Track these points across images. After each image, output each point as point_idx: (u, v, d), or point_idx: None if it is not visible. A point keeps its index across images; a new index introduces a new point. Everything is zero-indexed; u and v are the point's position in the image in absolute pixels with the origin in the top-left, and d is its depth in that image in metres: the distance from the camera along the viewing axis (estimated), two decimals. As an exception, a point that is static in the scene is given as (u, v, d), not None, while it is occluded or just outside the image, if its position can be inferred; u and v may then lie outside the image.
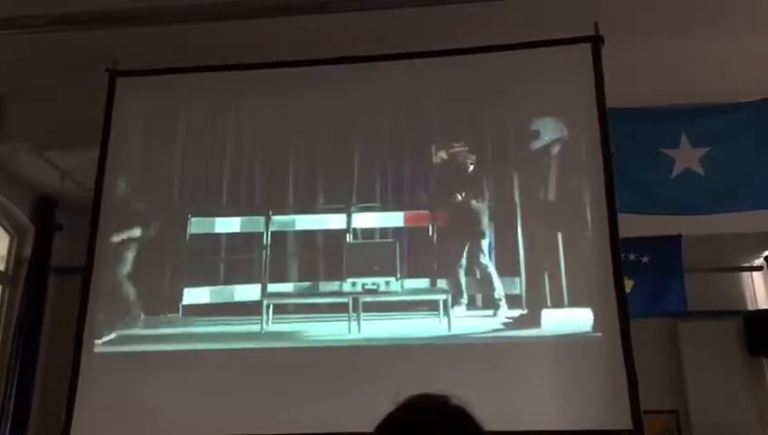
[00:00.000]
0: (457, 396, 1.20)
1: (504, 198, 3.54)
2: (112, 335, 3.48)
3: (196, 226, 3.66)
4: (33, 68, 4.05)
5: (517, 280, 3.37)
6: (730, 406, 5.64)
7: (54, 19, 3.66)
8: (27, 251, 5.47)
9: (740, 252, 6.01)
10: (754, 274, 6.15)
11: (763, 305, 6.05)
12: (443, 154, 3.61)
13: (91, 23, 3.69)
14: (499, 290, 3.37)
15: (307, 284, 3.57)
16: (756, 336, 5.79)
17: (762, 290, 6.12)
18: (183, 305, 3.52)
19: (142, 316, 3.53)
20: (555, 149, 3.53)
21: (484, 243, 3.48)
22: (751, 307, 6.07)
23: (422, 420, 1.17)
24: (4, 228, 5.47)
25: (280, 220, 3.66)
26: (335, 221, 3.64)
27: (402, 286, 3.47)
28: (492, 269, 3.42)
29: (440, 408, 1.18)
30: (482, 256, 3.46)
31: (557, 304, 3.30)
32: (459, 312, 3.36)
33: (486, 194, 3.55)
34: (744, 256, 6.10)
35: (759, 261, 6.07)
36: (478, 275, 3.44)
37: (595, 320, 3.21)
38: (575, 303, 3.28)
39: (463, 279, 3.42)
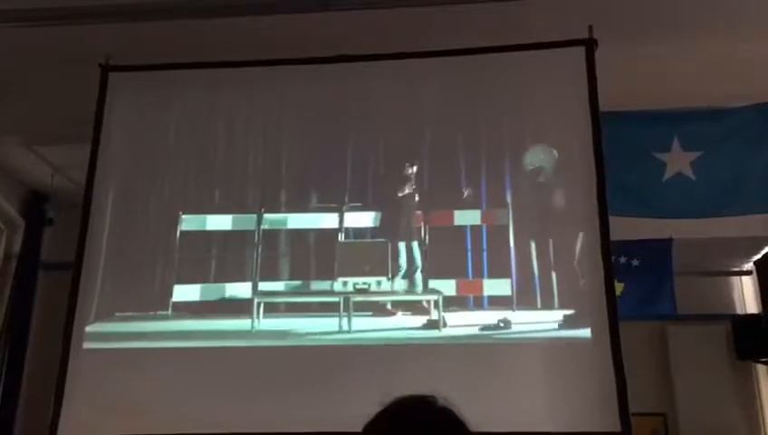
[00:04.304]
0: (444, 397, 1.20)
1: (496, 199, 3.54)
2: (101, 332, 3.46)
3: (188, 223, 3.65)
4: (25, 62, 4.03)
5: (508, 282, 3.38)
6: (718, 409, 5.67)
7: (47, 13, 3.64)
8: (17, 246, 5.45)
9: (730, 256, 6.04)
10: (744, 278, 6.19)
11: (751, 309, 6.09)
12: (435, 155, 3.62)
13: (83, 17, 3.67)
14: (490, 291, 3.39)
15: (298, 282, 3.57)
16: (745, 340, 5.83)
17: (751, 294, 6.15)
18: (173, 302, 3.51)
19: (132, 313, 3.52)
20: (547, 152, 3.53)
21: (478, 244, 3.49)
22: (740, 311, 6.11)
23: (408, 421, 1.17)
24: (-6, 223, 5.45)
25: (272, 219, 3.66)
26: (327, 220, 3.63)
27: (393, 286, 3.47)
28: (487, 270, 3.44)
29: (427, 408, 1.18)
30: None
31: (547, 305, 3.31)
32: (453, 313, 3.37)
33: (479, 195, 3.56)
34: (734, 261, 6.13)
35: (748, 265, 6.10)
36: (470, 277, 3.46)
37: (585, 322, 3.21)
38: (565, 305, 3.29)
39: (453, 280, 3.43)
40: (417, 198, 3.58)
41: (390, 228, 3.57)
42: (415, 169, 3.59)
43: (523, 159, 3.54)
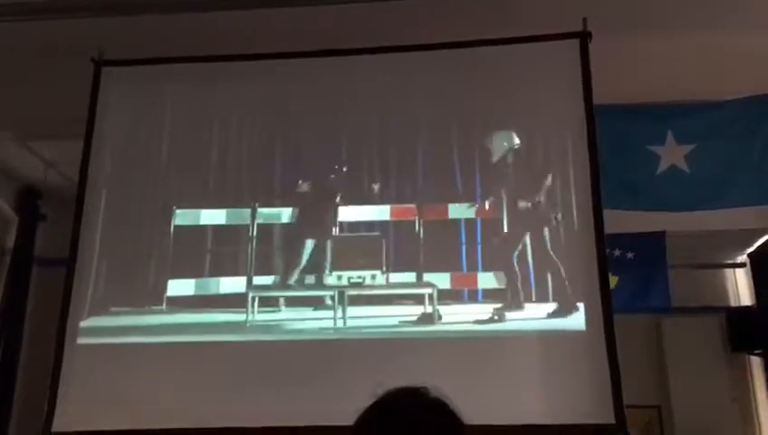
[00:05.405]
0: (438, 388, 1.20)
1: (490, 192, 3.54)
2: (96, 327, 3.45)
3: (182, 217, 3.64)
4: (18, 57, 4.00)
5: (502, 275, 3.39)
6: (712, 401, 5.69)
7: (39, 7, 3.62)
8: (10, 241, 5.43)
9: (724, 249, 6.06)
10: (738, 270, 6.20)
11: (745, 302, 6.11)
12: (429, 149, 3.61)
13: (76, 11, 3.65)
14: (485, 284, 3.39)
15: (293, 277, 3.57)
16: (739, 332, 5.85)
17: (744, 286, 6.17)
18: (167, 297, 3.50)
19: (126, 308, 3.51)
20: (542, 145, 3.54)
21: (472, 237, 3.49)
22: (734, 303, 6.13)
23: (401, 412, 1.17)
24: (-13, 218, 5.44)
25: (266, 213, 3.65)
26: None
27: (388, 280, 3.47)
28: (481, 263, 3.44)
29: (419, 400, 1.19)
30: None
31: (542, 298, 3.32)
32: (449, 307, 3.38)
33: (472, 189, 3.56)
34: (728, 253, 6.15)
35: (742, 258, 6.12)
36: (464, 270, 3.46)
37: (579, 315, 3.22)
38: (560, 298, 3.30)
39: (448, 273, 3.43)
40: (338, 199, 3.60)
41: (306, 224, 3.59)
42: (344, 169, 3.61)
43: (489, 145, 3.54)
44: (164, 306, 3.50)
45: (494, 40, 3.56)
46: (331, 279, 3.50)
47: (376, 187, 3.62)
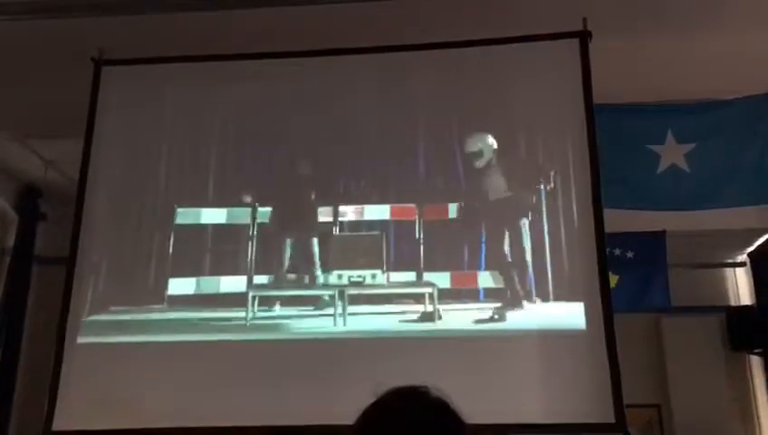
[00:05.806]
0: (438, 388, 1.20)
1: (490, 191, 3.54)
2: (96, 326, 3.46)
3: (182, 216, 3.65)
4: (18, 56, 4.00)
5: (502, 274, 3.38)
6: (712, 400, 5.69)
7: (39, 6, 3.62)
8: (10, 240, 5.43)
9: (724, 248, 6.06)
10: (737, 270, 6.20)
11: (745, 301, 6.10)
12: (429, 148, 3.61)
13: (76, 10, 3.65)
14: (485, 284, 3.40)
15: (293, 275, 3.57)
16: (738, 331, 5.84)
17: (744, 286, 6.17)
18: (168, 296, 3.51)
19: (126, 307, 3.51)
20: (541, 145, 3.54)
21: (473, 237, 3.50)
22: (734, 303, 6.12)
23: (401, 412, 1.17)
24: (-12, 217, 5.44)
25: (266, 212, 3.65)
26: (322, 214, 3.63)
27: (388, 279, 3.47)
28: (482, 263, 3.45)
29: (420, 400, 1.18)
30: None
31: (542, 298, 3.32)
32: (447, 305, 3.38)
33: (473, 188, 3.56)
34: (728, 253, 6.14)
35: (742, 257, 6.12)
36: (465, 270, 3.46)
37: (580, 314, 3.22)
38: (560, 297, 3.30)
39: (449, 274, 3.43)
40: (313, 196, 3.63)
41: (286, 223, 3.61)
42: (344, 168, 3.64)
43: (464, 143, 3.56)
44: (164, 305, 3.50)
45: (495, 39, 3.57)
46: (331, 278, 3.50)
47: (375, 186, 3.62)
